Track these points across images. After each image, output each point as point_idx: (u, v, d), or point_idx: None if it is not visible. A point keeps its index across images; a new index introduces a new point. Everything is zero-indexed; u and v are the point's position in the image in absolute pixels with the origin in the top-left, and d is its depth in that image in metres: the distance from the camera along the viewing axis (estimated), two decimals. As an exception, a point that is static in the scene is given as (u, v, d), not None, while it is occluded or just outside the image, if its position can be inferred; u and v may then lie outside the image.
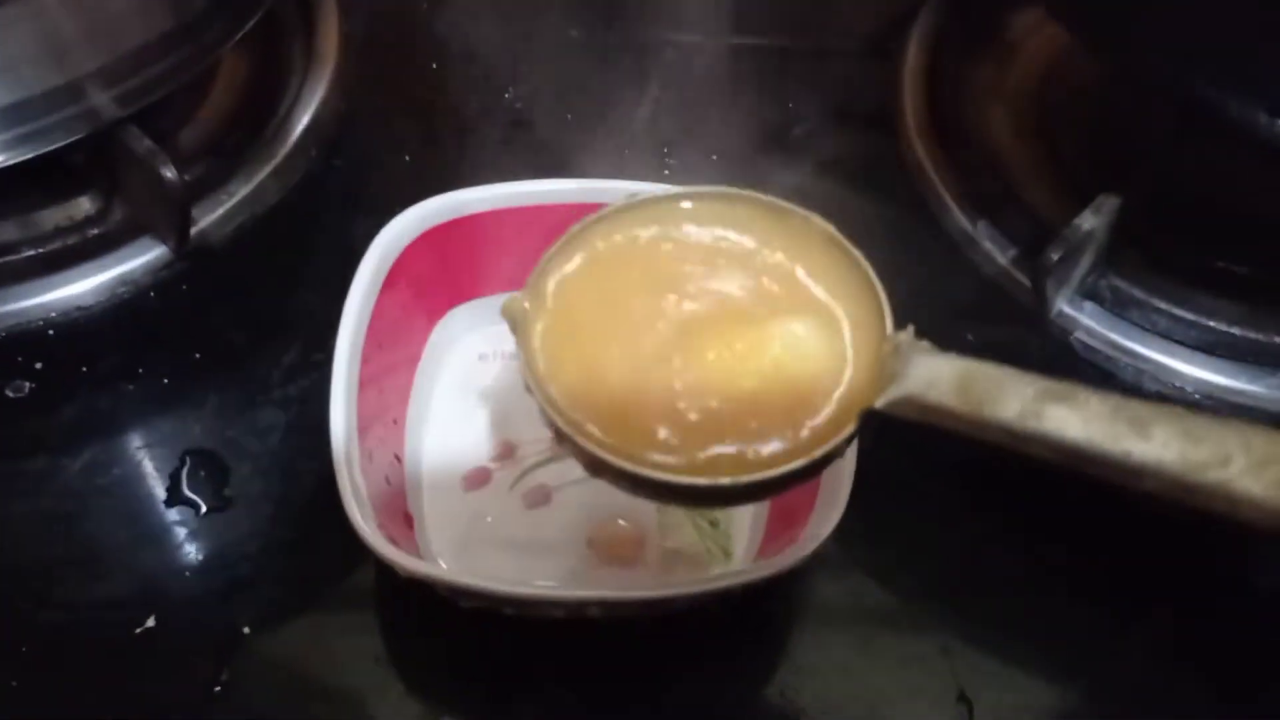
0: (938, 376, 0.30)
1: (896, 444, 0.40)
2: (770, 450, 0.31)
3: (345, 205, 0.50)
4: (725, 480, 0.30)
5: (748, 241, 0.35)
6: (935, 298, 0.49)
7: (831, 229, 0.34)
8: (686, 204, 0.35)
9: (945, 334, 0.47)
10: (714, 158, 0.54)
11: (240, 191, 0.48)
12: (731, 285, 0.34)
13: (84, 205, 0.48)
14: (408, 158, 0.52)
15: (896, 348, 0.32)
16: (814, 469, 0.31)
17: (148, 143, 0.42)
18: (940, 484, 0.43)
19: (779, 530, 0.39)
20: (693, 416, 0.31)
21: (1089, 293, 0.47)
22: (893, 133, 0.54)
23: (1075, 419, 0.28)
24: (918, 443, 0.43)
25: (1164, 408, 0.27)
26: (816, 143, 0.55)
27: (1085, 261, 0.45)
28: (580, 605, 0.35)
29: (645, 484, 0.31)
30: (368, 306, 0.39)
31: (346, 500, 0.34)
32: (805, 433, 0.31)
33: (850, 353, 0.33)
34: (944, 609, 0.40)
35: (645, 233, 0.35)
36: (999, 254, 0.49)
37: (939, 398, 0.30)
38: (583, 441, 0.31)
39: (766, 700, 0.38)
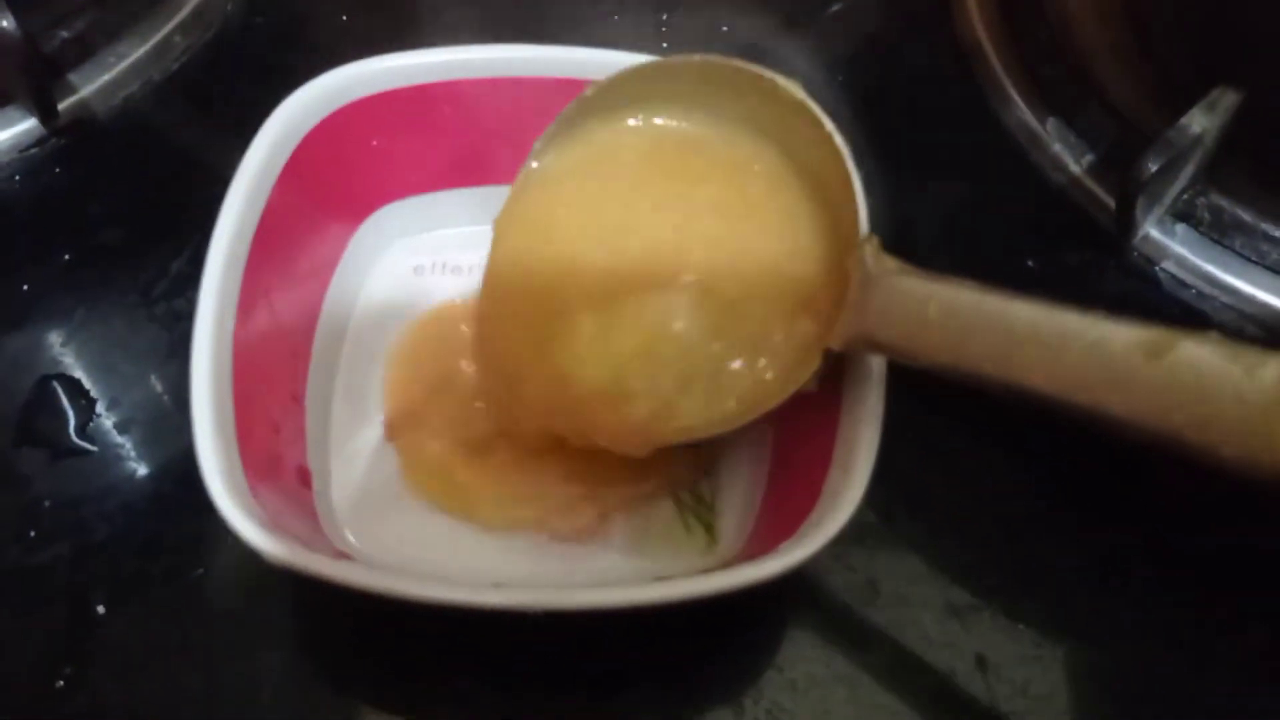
0: (900, 306, 0.26)
1: (927, 401, 0.32)
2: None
3: (265, 74, 0.41)
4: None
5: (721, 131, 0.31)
6: (990, 211, 0.39)
7: (801, 96, 0.30)
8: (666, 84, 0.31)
9: (1000, 258, 0.39)
10: (723, 29, 0.44)
11: (133, 53, 0.40)
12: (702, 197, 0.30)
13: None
14: (344, 16, 0.43)
15: (861, 263, 0.27)
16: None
17: (-23, -18, 0.33)
18: (979, 445, 0.35)
19: (778, 505, 0.31)
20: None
21: (1183, 213, 0.37)
22: (947, 6, 0.44)
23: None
24: (952, 402, 0.35)
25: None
26: (853, 13, 0.45)
27: (1186, 173, 0.36)
28: (511, 610, 0.26)
29: None
30: (256, 204, 0.30)
31: (204, 457, 0.26)
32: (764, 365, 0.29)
33: (819, 266, 0.29)
34: (986, 608, 0.32)
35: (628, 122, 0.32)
36: (1072, 160, 0.39)
37: (898, 336, 0.26)
38: None
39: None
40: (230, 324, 0.29)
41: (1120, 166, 0.37)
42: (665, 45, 0.43)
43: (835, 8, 0.46)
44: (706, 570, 0.28)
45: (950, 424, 0.34)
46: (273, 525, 0.26)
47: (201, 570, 0.31)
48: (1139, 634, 0.32)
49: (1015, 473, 0.34)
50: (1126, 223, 0.36)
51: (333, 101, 0.32)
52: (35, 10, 0.36)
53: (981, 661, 0.31)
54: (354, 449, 0.32)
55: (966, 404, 0.35)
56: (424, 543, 0.31)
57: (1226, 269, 0.37)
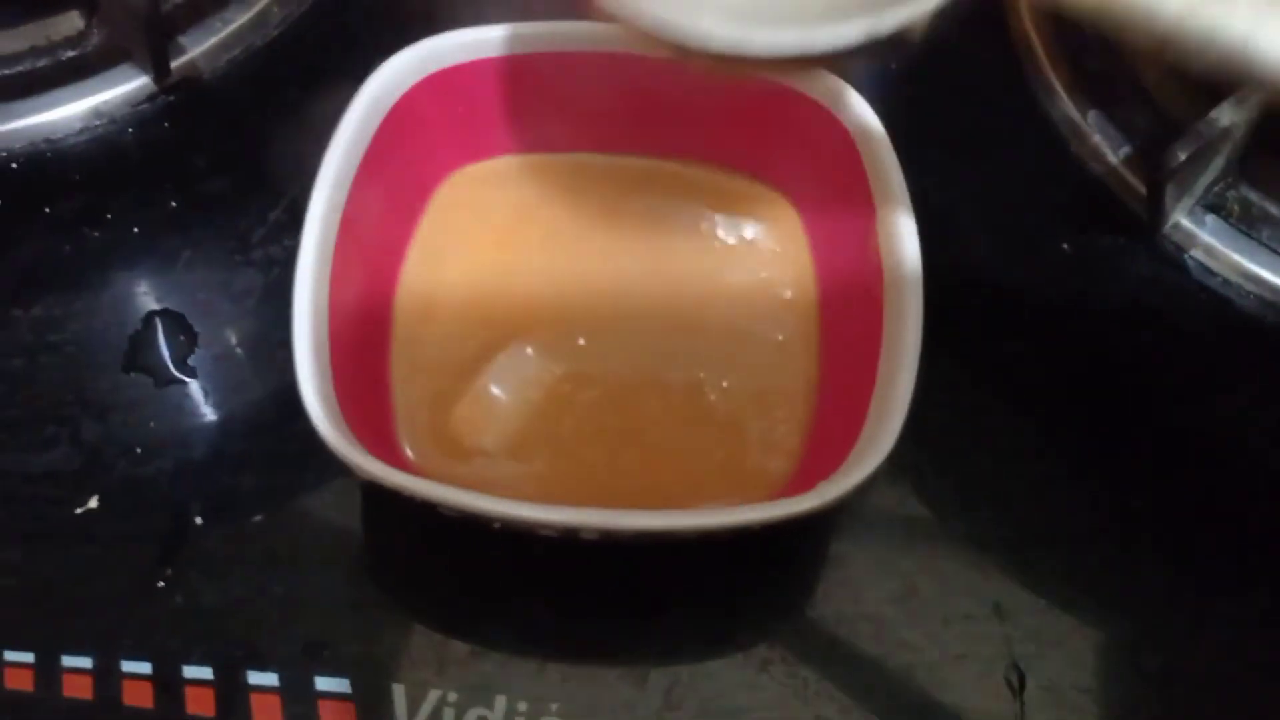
0: None
1: (959, 361, 0.35)
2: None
3: (362, 39, 0.44)
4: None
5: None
6: (1030, 196, 0.42)
7: None
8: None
9: (1038, 240, 0.41)
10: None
11: (239, 18, 0.42)
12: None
13: (63, 25, 0.42)
14: (437, -11, 0.46)
15: None
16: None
17: (113, -49, 0.36)
18: (1009, 410, 0.37)
19: (819, 444, 0.33)
20: None
21: (1213, 204, 0.39)
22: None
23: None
24: (985, 359, 0.38)
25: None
26: None
27: (1216, 165, 0.38)
28: (573, 529, 0.29)
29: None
30: (354, 155, 0.33)
31: (302, 376, 0.29)
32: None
33: None
34: (1001, 562, 0.34)
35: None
36: (1110, 151, 0.41)
37: None
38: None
39: (780, 649, 0.33)
40: (327, 267, 0.32)
41: (1154, 158, 0.40)
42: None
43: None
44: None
45: (979, 387, 0.37)
46: (361, 443, 0.29)
47: (286, 488, 0.35)
48: (1149, 590, 0.34)
49: (1040, 434, 0.37)
50: (1156, 211, 0.38)
51: (424, 69, 0.35)
52: (153, -25, 0.40)
53: (998, 608, 0.33)
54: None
55: (998, 370, 0.38)
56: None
57: (1254, 259, 0.39)
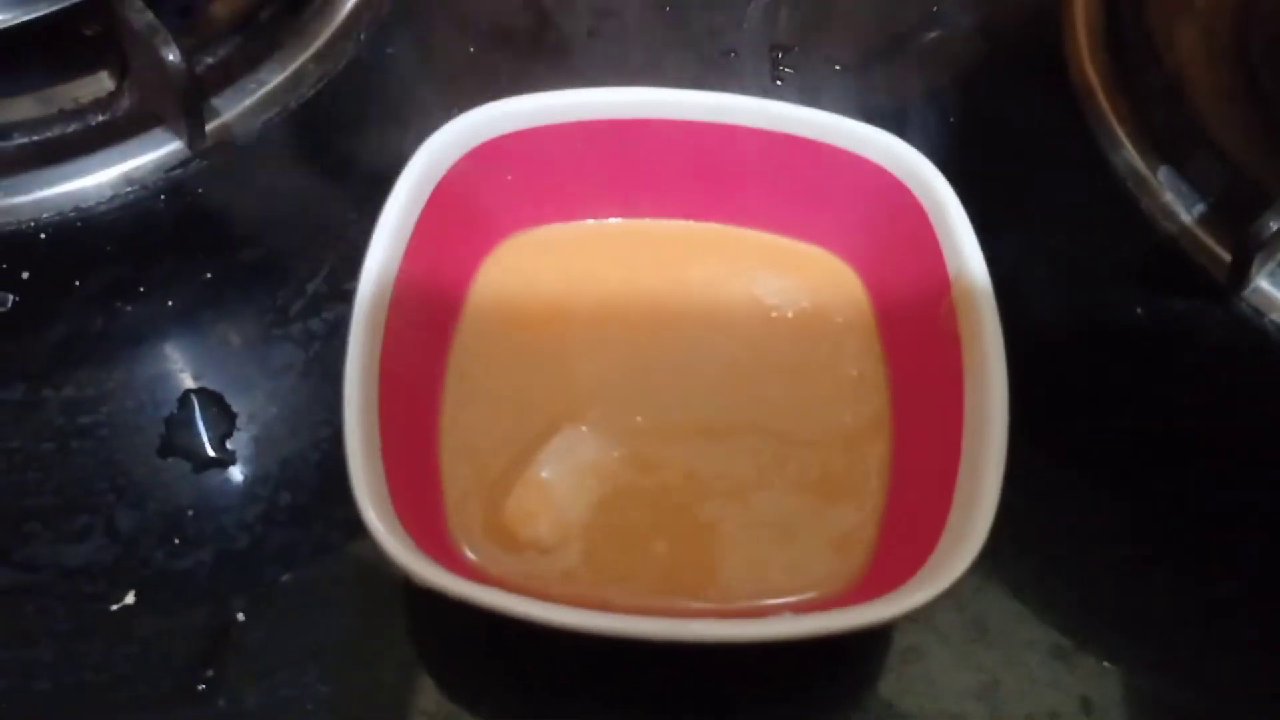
0: None
1: (1035, 439, 0.33)
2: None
3: (397, 103, 0.42)
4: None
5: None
6: (1099, 256, 0.40)
7: None
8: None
9: (1110, 304, 0.39)
10: (836, 68, 0.45)
11: (272, 80, 0.41)
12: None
13: (92, 87, 0.40)
14: (471, 49, 0.44)
15: None
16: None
17: (148, 15, 0.35)
18: (1089, 488, 0.35)
19: (895, 538, 0.31)
20: None
21: (1295, 265, 0.38)
22: (1057, 43, 0.45)
23: None
24: (1062, 434, 0.36)
25: None
26: (961, 48, 0.46)
27: (1302, 228, 0.36)
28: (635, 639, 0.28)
29: None
30: (404, 230, 0.32)
31: (355, 478, 0.28)
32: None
33: None
34: (1088, 652, 0.32)
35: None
36: (1183, 209, 0.39)
37: None
38: None
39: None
40: (378, 346, 0.30)
41: (1231, 217, 0.38)
42: (779, 83, 0.44)
43: (934, 35, 0.46)
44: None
45: (1060, 465, 0.35)
46: (415, 542, 0.27)
47: (332, 581, 0.33)
48: (1245, 684, 0.32)
49: (1121, 514, 0.35)
50: (1240, 278, 0.36)
51: (476, 137, 0.33)
52: (185, 37, 0.38)
53: (1086, 704, 0.32)
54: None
55: (1077, 446, 0.36)
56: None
57: (1335, 323, 0.37)
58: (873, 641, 0.33)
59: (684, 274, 0.36)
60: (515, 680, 0.32)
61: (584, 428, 0.33)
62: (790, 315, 0.36)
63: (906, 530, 0.30)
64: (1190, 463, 0.35)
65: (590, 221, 0.37)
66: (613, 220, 0.37)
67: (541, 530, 0.32)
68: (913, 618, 0.32)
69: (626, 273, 0.36)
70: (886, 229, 0.35)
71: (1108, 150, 0.41)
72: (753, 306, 0.36)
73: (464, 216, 0.34)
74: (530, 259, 0.36)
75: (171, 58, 0.35)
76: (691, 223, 0.37)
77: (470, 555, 0.31)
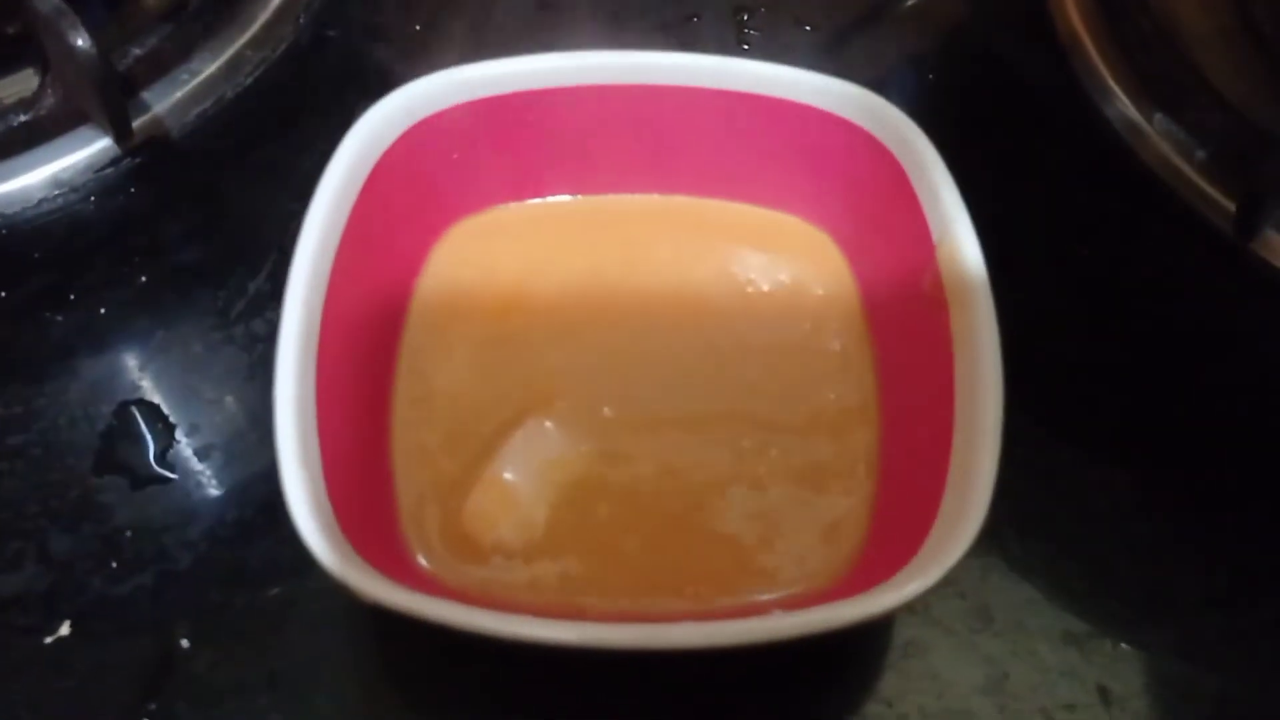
0: None
1: (1036, 415, 0.31)
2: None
3: (339, 87, 0.40)
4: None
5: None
6: (1094, 213, 0.38)
7: None
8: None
9: (1108, 261, 0.37)
10: (806, 28, 0.42)
11: (205, 69, 0.39)
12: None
13: (15, 86, 0.38)
14: (418, 25, 0.42)
15: None
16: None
17: (55, 1, 0.32)
18: (1098, 463, 0.33)
19: (887, 524, 0.29)
20: None
21: (1306, 212, 0.35)
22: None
23: None
24: (1066, 406, 0.34)
25: None
26: (940, 2, 0.43)
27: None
28: (610, 650, 0.25)
29: None
30: (338, 219, 0.29)
31: (289, 486, 0.25)
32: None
33: None
34: (1104, 639, 0.30)
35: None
36: (1182, 158, 0.37)
37: None
38: None
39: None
40: (314, 345, 0.28)
41: (1235, 163, 0.36)
42: (746, 47, 0.42)
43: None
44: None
45: (1062, 440, 0.33)
46: (361, 555, 0.25)
47: (284, 600, 0.31)
48: (1273, 664, 0.30)
49: (1132, 488, 0.33)
50: (1248, 225, 0.34)
51: (413, 114, 0.31)
52: (108, 27, 0.36)
53: (1105, 693, 0.29)
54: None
55: (1080, 418, 0.33)
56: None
57: (1350, 270, 0.35)
58: (870, 637, 0.30)
59: (649, 252, 0.34)
60: (490, 698, 0.30)
61: (548, 422, 0.31)
62: (766, 291, 0.33)
63: (899, 515, 0.28)
64: (1206, 430, 0.33)
65: (547, 200, 0.34)
66: (571, 198, 0.35)
67: (504, 534, 0.29)
68: (911, 609, 0.30)
69: (587, 254, 0.34)
70: (865, 192, 0.33)
71: (1099, 102, 0.39)
72: (725, 284, 0.33)
73: (407, 200, 0.32)
74: (483, 244, 0.34)
75: (80, 43, 0.32)
76: (655, 196, 0.35)
77: (426, 565, 0.29)
